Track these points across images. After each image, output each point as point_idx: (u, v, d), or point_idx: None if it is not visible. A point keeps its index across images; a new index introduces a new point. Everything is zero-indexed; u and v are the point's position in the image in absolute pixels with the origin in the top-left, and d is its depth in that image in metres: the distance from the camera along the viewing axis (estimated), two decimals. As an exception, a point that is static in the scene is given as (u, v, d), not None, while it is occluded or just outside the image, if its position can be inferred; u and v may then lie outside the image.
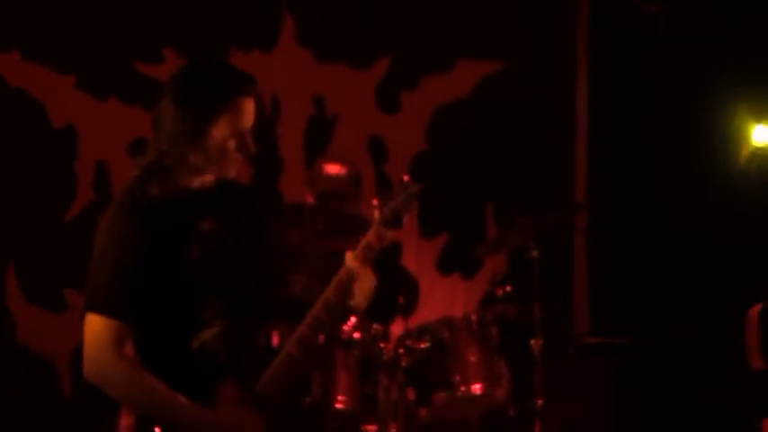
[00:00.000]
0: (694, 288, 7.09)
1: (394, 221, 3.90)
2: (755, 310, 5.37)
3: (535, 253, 5.76)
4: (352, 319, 5.39)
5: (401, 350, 5.45)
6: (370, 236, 3.89)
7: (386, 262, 4.69)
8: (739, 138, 7.24)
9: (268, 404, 3.80)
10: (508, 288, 5.89)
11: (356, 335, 5.42)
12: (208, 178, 3.78)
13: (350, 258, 3.86)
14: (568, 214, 7.16)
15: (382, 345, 5.44)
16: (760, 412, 5.20)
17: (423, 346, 5.51)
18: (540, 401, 5.67)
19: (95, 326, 3.61)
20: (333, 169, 5.72)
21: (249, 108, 3.74)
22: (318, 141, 7.23)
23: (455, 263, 7.39)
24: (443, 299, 7.17)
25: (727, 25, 7.04)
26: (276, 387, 3.83)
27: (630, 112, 7.46)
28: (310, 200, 5.70)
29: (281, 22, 7.19)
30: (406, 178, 3.99)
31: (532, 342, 5.71)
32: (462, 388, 5.44)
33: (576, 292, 7.65)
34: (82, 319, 3.64)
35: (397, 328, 5.80)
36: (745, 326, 5.49)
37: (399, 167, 7.24)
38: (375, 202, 3.96)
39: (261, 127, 3.85)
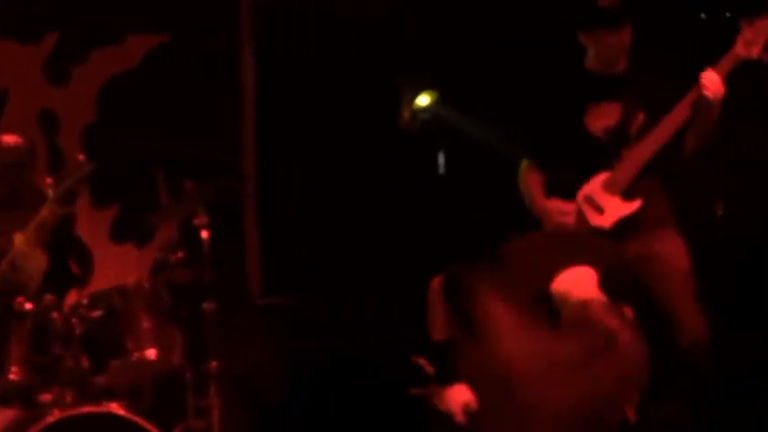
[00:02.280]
0: (360, 250, 6.97)
1: (67, 199, 3.86)
2: (438, 281, 4.96)
3: (205, 219, 5.38)
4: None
5: (74, 319, 5.00)
6: (45, 213, 3.87)
7: (59, 233, 4.65)
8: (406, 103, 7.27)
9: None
10: (180, 254, 5.43)
11: (28, 306, 4.92)
12: None
13: (19, 241, 3.83)
14: (234, 183, 6.85)
15: (55, 314, 4.98)
16: (439, 381, 4.83)
17: (96, 314, 5.05)
18: (214, 363, 5.30)
19: None
20: (10, 140, 5.30)
21: None
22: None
23: (128, 231, 7.04)
24: (117, 267, 6.72)
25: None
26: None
27: (298, 86, 7.19)
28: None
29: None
30: (80, 157, 3.92)
31: (205, 306, 5.33)
32: (136, 354, 5.08)
33: (248, 256, 7.38)
34: None
35: (71, 298, 5.37)
36: (428, 296, 5.11)
37: (72, 139, 6.90)
38: (49, 180, 3.93)
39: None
